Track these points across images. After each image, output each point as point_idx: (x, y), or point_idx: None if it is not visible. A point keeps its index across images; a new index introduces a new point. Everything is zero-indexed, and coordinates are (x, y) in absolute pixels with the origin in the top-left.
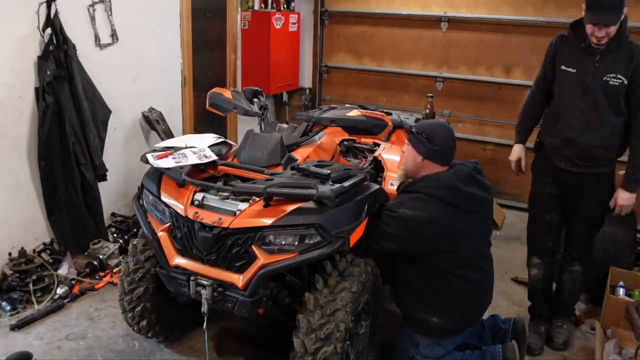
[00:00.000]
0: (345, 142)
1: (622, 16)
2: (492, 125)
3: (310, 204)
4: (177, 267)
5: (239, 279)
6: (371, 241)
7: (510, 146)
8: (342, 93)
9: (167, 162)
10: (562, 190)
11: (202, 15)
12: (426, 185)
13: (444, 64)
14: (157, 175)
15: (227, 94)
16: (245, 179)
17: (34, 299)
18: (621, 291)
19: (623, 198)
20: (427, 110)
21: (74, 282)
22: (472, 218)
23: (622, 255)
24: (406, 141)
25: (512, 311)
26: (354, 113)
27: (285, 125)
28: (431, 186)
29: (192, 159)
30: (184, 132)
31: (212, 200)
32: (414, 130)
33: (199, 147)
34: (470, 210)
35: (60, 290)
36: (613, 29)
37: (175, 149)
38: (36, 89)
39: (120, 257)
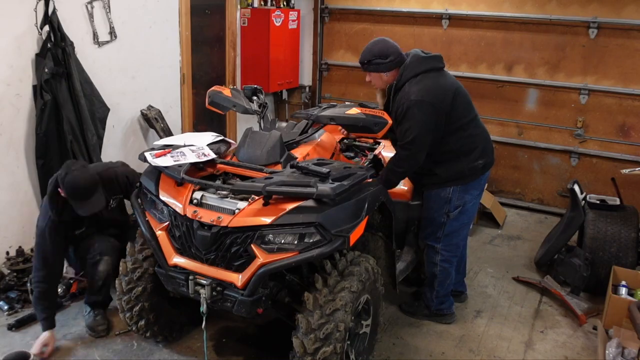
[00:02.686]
0: (345, 140)
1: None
2: (494, 123)
3: (310, 203)
4: (175, 266)
5: (238, 278)
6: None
7: (511, 145)
8: (342, 91)
9: (166, 161)
10: None
11: (201, 13)
12: (406, 74)
13: (445, 62)
14: (156, 173)
15: (227, 92)
16: (244, 178)
17: (31, 299)
18: (623, 290)
19: None
20: None
21: (71, 281)
22: (446, 72)
23: (624, 254)
24: (367, 75)
25: (513, 311)
26: (354, 111)
27: (284, 124)
28: (410, 71)
29: (191, 158)
30: (183, 130)
31: (211, 199)
32: (365, 62)
33: (197, 145)
34: (442, 67)
35: (58, 290)
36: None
37: (174, 147)
38: (34, 86)
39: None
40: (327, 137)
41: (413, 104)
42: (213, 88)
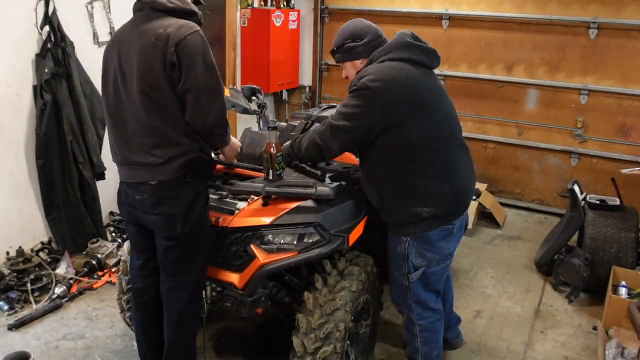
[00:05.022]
0: None
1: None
2: (494, 123)
3: (309, 203)
4: None
5: (237, 279)
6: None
7: (511, 145)
8: (343, 91)
9: None
10: None
11: (202, 13)
12: (377, 54)
13: (445, 62)
14: None
15: (226, 92)
16: (243, 178)
17: (31, 299)
18: (623, 291)
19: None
20: None
21: (72, 281)
22: (433, 76)
23: (624, 254)
24: (343, 70)
25: (513, 311)
26: None
27: (284, 124)
28: (382, 51)
29: None
30: None
31: (210, 199)
32: (335, 48)
33: None
34: (428, 65)
35: (58, 290)
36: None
37: None
38: (34, 86)
39: (119, 256)
40: None
41: (359, 87)
42: None
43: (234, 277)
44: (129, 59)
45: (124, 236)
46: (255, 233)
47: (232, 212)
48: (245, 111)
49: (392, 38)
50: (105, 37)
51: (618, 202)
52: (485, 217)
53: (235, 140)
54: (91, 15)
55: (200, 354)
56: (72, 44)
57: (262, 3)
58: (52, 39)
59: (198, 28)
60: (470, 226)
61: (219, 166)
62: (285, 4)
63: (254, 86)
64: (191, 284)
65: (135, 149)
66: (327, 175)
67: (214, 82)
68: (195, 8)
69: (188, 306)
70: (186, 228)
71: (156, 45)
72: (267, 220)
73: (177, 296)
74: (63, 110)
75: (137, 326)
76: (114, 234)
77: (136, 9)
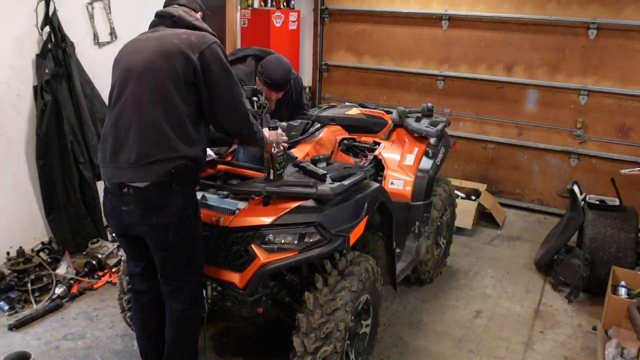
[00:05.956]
0: (345, 141)
1: None
2: (493, 123)
3: (310, 203)
4: None
5: (238, 278)
6: None
7: (510, 145)
8: (342, 91)
9: None
10: None
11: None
12: None
13: (444, 63)
14: None
15: None
16: (244, 178)
17: (32, 299)
18: (623, 291)
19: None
20: None
21: (72, 281)
22: None
23: (624, 254)
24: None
25: (512, 311)
26: (354, 111)
27: (284, 124)
28: None
29: None
30: None
31: (211, 199)
32: (286, 81)
33: None
34: None
35: (58, 290)
36: None
37: None
38: (34, 87)
39: (119, 257)
40: (327, 135)
41: None
42: None
43: (234, 277)
44: (142, 58)
45: None
46: (256, 233)
47: (232, 212)
48: None
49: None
50: (105, 37)
51: (617, 203)
52: (485, 217)
53: (267, 133)
54: (92, 16)
55: (200, 354)
56: (72, 44)
57: (262, 4)
58: (53, 39)
59: (217, 39)
60: (470, 226)
61: (219, 166)
62: (285, 4)
63: (255, 87)
64: (191, 287)
65: (127, 146)
66: (328, 175)
67: (237, 90)
68: (213, 32)
69: (189, 307)
70: (177, 236)
71: (180, 47)
72: (267, 220)
73: (178, 298)
74: (63, 110)
75: (139, 326)
76: (114, 234)
77: (156, 23)
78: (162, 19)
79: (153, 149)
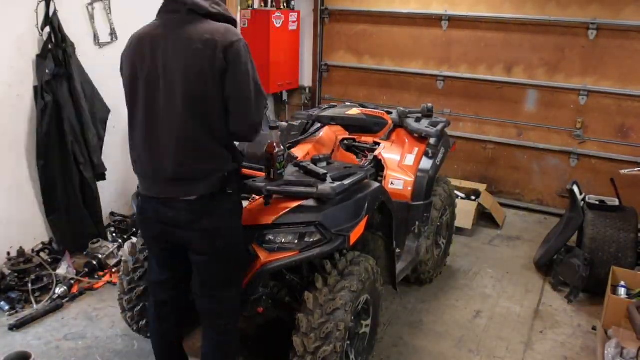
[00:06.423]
0: (345, 141)
1: None
2: (493, 124)
3: (310, 202)
4: None
5: None
6: None
7: (510, 145)
8: (343, 92)
9: None
10: None
11: None
12: None
13: (444, 63)
14: None
15: None
16: (244, 177)
17: (32, 299)
18: (622, 291)
19: None
20: None
21: (72, 281)
22: None
23: (623, 255)
24: None
25: (512, 311)
26: (354, 111)
27: (284, 124)
28: None
29: None
30: None
31: None
32: None
33: None
34: None
35: (59, 290)
36: None
37: None
38: (35, 87)
39: (120, 257)
40: (327, 134)
41: None
42: None
43: None
44: (169, 66)
45: (125, 236)
46: (256, 232)
47: None
48: None
49: None
50: (105, 37)
51: (617, 203)
52: (485, 217)
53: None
54: (92, 16)
55: (199, 354)
56: (72, 44)
57: (262, 4)
58: (53, 39)
59: (241, 35)
60: (469, 226)
61: None
62: (285, 5)
63: None
64: (232, 296)
65: (171, 162)
66: (329, 174)
67: (260, 90)
68: (234, 16)
69: (230, 322)
70: (223, 241)
71: (205, 52)
72: (268, 219)
73: (219, 313)
74: (64, 111)
75: (156, 336)
76: (114, 235)
77: (168, 10)
78: (175, 4)
79: (199, 163)
